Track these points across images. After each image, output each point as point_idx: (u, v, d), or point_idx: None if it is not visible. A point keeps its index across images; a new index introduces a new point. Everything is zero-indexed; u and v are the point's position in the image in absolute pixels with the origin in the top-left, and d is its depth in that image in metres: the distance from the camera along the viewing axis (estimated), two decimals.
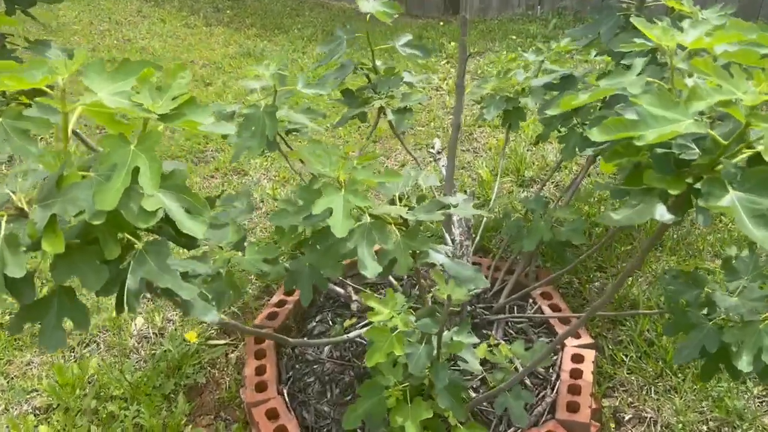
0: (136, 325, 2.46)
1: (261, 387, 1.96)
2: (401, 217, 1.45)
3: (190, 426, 2.04)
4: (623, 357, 2.22)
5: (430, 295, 1.65)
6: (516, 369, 1.91)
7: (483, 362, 1.99)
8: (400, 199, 1.60)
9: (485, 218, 2.50)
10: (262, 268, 1.91)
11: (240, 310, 2.49)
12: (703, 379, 1.66)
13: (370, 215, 1.46)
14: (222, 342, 2.34)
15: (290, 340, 1.69)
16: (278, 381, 2.02)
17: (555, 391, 1.92)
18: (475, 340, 1.66)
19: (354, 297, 2.26)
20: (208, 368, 2.25)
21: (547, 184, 3.29)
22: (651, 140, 0.98)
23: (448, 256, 1.49)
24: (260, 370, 2.02)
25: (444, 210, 1.54)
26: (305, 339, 2.17)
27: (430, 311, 1.52)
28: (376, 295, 2.31)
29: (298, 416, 1.91)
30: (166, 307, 2.55)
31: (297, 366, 2.08)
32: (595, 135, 1.05)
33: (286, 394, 1.97)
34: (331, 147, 1.54)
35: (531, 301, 2.28)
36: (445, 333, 1.55)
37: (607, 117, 1.26)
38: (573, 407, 1.85)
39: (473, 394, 1.90)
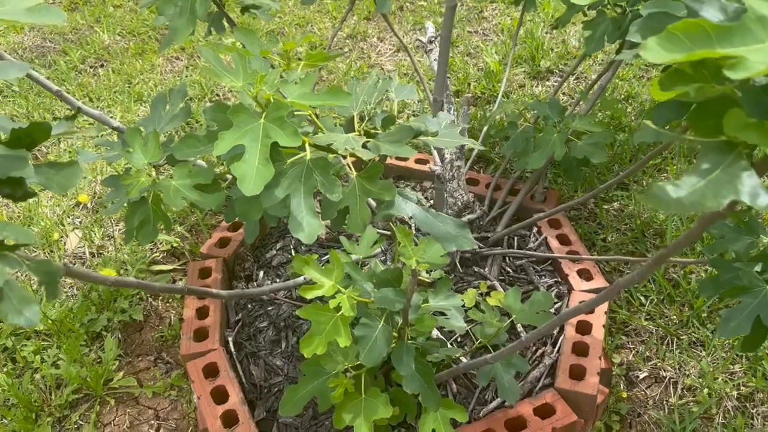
0: (70, 241, 2.11)
1: (201, 334, 1.63)
2: (354, 152, 1.03)
3: (122, 373, 1.73)
4: (642, 300, 1.85)
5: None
6: (513, 325, 1.55)
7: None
8: (362, 120, 1.17)
9: (489, 120, 2.05)
10: (191, 197, 1.51)
11: (190, 231, 2.12)
12: (745, 350, 1.30)
13: (312, 146, 1.04)
14: (168, 268, 1.99)
15: (221, 292, 1.32)
16: (225, 325, 1.69)
17: (557, 349, 1.58)
18: (458, 302, 1.28)
19: (323, 222, 1.87)
20: (150, 300, 1.91)
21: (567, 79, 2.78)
22: (760, 70, 0.54)
23: (420, 205, 1.07)
24: (203, 313, 1.68)
25: (419, 138, 1.11)
26: (248, 287, 1.80)
27: (395, 274, 1.13)
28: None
29: (245, 371, 1.59)
30: (109, 221, 2.18)
31: (249, 306, 1.74)
32: (652, 52, 0.59)
33: (231, 343, 1.63)
34: (259, 41, 1.09)
35: (536, 230, 1.89)
36: (415, 295, 1.18)
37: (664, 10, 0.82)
38: (577, 372, 1.50)
39: (450, 348, 1.55)
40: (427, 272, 1.28)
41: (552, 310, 1.64)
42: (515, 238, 1.88)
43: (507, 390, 1.38)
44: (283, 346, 1.63)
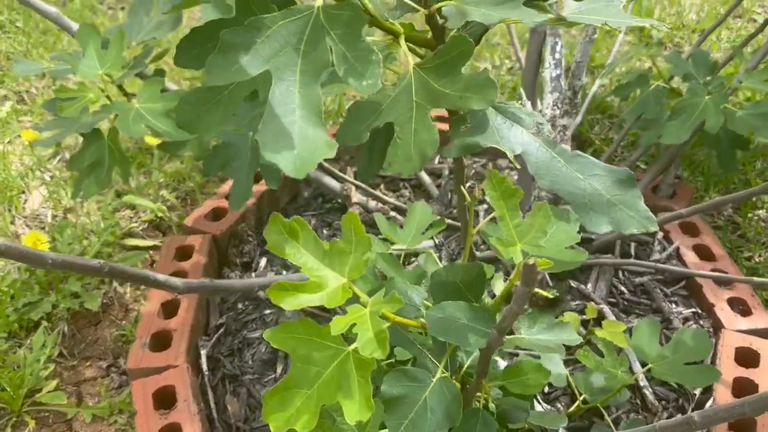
0: (32, 200, 1.63)
1: (162, 341, 1.11)
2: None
3: (55, 382, 1.23)
4: None
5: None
6: (636, 381, 0.98)
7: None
8: None
9: (597, 85, 1.48)
10: (158, 127, 1.00)
11: (184, 200, 1.61)
12: None
13: None
14: (147, 243, 1.49)
15: (173, 281, 0.80)
16: (200, 330, 1.17)
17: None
18: (572, 337, 0.73)
19: (355, 198, 1.34)
20: (114, 284, 1.41)
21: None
22: None
23: (539, 134, 0.53)
24: (170, 309, 1.16)
25: (548, 7, 0.56)
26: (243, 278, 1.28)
27: (470, 274, 0.58)
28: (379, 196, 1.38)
29: (218, 402, 1.06)
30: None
31: (240, 305, 1.22)
32: None
33: (204, 359, 1.11)
34: None
35: (661, 236, 1.31)
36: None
37: None
38: None
39: (543, 410, 1.00)
40: (547, 280, 0.72)
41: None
42: (631, 244, 1.30)
43: None
44: (279, 370, 1.10)
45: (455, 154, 0.51)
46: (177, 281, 0.82)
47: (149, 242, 1.49)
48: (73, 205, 1.61)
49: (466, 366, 0.67)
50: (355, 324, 0.47)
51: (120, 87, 1.10)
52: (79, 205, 1.60)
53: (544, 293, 0.53)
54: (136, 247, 1.48)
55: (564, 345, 0.72)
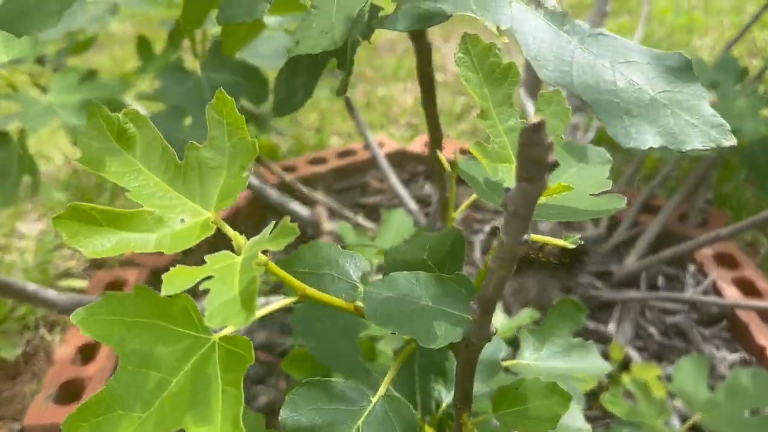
0: None
1: (73, 392, 0.88)
2: None
3: None
4: None
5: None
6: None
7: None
8: None
9: None
10: (68, 120, 0.81)
11: None
12: None
13: None
14: (85, 285, 1.28)
15: (49, 295, 0.58)
16: None
17: None
18: (601, 364, 0.51)
19: (327, 226, 1.14)
20: (44, 331, 1.19)
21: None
22: None
23: (538, 3, 0.33)
24: (88, 353, 0.94)
25: None
26: None
27: (441, 242, 0.37)
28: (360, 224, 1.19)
29: None
30: (28, 213, 1.50)
31: None
32: None
33: None
34: None
35: (693, 269, 1.09)
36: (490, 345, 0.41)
37: None
38: None
39: None
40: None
41: None
42: (660, 278, 1.08)
43: None
44: None
45: (403, 26, 0.31)
46: (60, 296, 0.60)
47: (85, 282, 1.28)
48: (8, 244, 1.40)
49: (445, 404, 0.44)
50: (210, 277, 0.26)
51: (36, 84, 0.92)
52: (14, 243, 1.40)
53: (558, 242, 0.33)
54: (72, 289, 1.26)
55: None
